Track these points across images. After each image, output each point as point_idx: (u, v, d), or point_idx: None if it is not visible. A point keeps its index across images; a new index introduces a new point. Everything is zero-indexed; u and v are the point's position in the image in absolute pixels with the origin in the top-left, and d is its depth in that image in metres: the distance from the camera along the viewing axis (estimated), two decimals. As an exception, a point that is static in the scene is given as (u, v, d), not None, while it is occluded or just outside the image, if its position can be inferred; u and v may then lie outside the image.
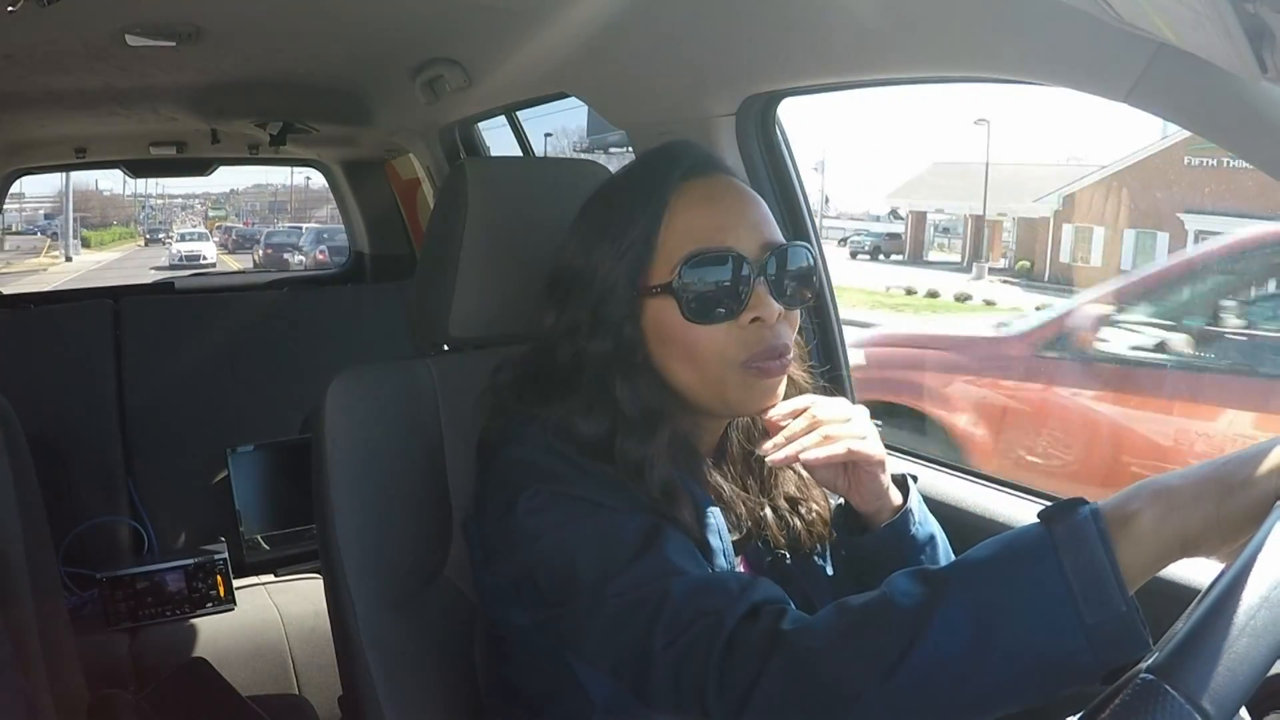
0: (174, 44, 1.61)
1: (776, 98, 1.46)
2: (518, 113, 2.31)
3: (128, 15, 1.52)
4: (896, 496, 0.93)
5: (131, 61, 1.78)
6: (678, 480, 0.86)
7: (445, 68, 1.85)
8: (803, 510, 0.97)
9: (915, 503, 0.94)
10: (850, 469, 0.91)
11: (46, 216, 19.12)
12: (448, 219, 1.09)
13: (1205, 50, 0.73)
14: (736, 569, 0.90)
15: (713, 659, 0.70)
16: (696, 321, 0.86)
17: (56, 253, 16.93)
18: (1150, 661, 0.52)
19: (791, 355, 0.90)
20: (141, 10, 1.51)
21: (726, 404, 0.90)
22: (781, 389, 0.91)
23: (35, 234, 18.50)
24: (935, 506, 1.28)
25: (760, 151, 1.51)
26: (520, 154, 2.41)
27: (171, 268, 15.40)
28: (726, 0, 1.25)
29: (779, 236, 0.90)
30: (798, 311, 0.91)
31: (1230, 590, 0.52)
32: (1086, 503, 0.63)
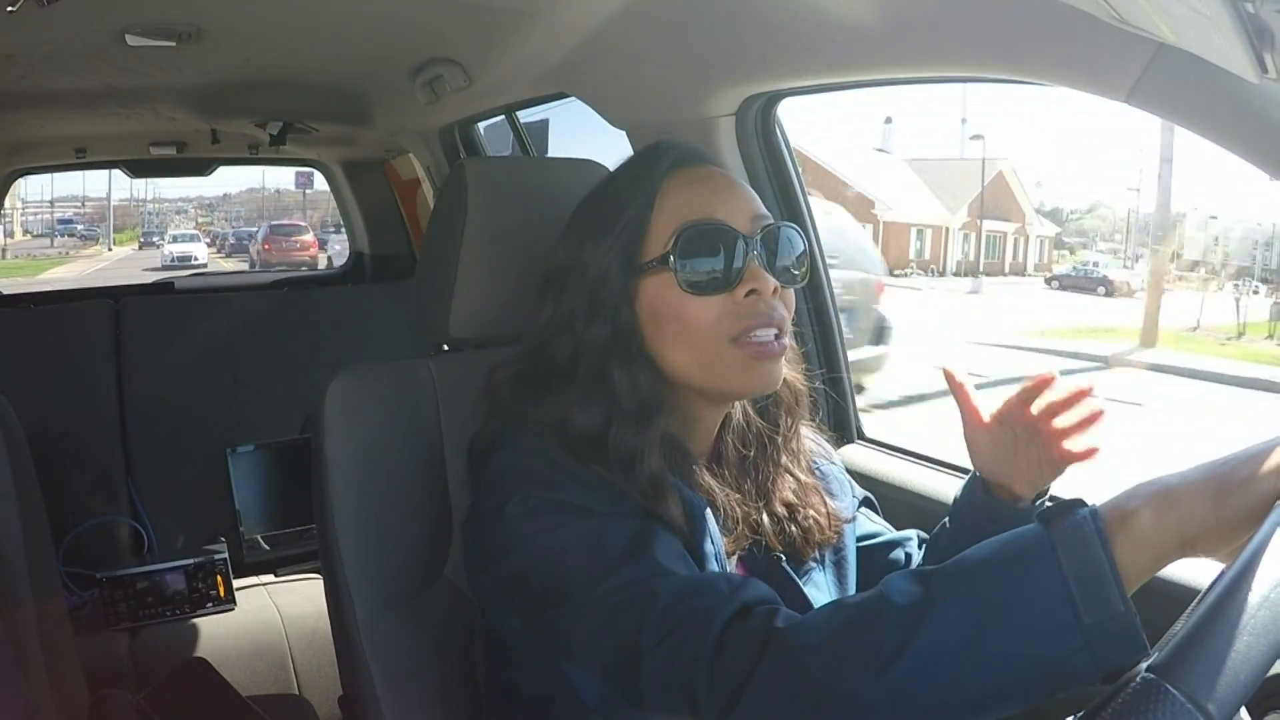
0: (174, 44, 1.61)
1: (776, 98, 1.46)
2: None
3: (128, 15, 1.52)
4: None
5: (131, 61, 1.78)
6: (667, 478, 0.86)
7: (445, 68, 1.85)
8: (800, 516, 0.96)
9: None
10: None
11: (61, 221, 24.11)
12: (448, 219, 1.09)
13: (1205, 50, 0.73)
14: (729, 572, 0.90)
15: (703, 657, 0.69)
16: (693, 293, 0.86)
17: (97, 247, 23.25)
18: (1151, 660, 0.52)
19: (789, 333, 0.91)
20: (141, 10, 1.51)
21: (722, 386, 0.90)
22: (781, 371, 0.91)
23: (56, 235, 23.68)
24: (935, 506, 1.28)
25: (760, 151, 1.51)
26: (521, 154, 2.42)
27: (164, 268, 16.31)
28: (726, 0, 1.25)
29: (769, 213, 0.92)
30: (792, 292, 0.92)
31: (1231, 590, 0.52)
32: (1085, 503, 0.63)
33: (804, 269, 0.94)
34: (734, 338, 0.87)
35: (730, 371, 0.88)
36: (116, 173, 3.22)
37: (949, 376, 0.97)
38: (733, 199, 0.90)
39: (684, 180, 0.91)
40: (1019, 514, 0.94)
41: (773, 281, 0.88)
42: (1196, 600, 0.54)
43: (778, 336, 0.89)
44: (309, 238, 16.75)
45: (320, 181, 3.44)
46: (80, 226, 23.99)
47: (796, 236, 0.93)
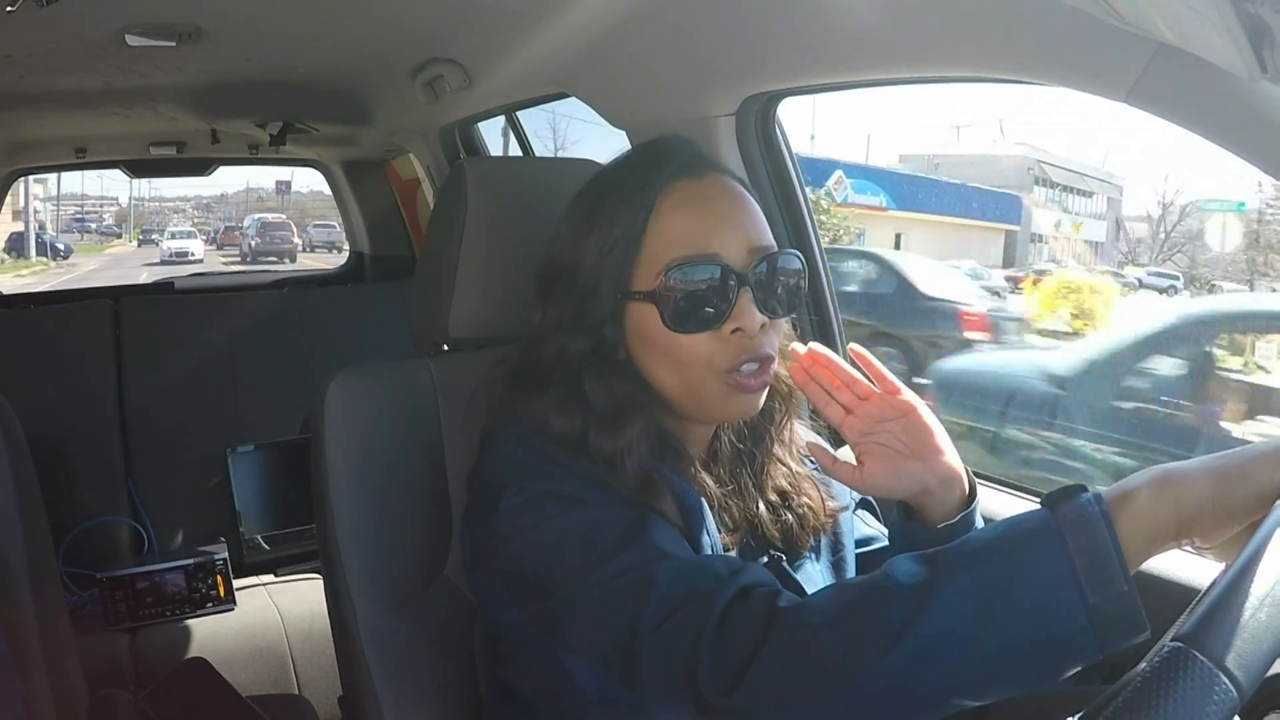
0: (174, 44, 1.61)
1: (776, 98, 1.46)
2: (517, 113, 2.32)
3: (128, 15, 1.52)
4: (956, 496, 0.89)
5: (131, 61, 1.78)
6: (657, 474, 0.86)
7: (445, 68, 1.85)
8: (794, 503, 0.96)
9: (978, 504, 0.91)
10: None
11: (75, 220, 29.48)
12: (448, 219, 1.09)
13: (1205, 50, 0.73)
14: (728, 555, 0.90)
15: (704, 638, 0.69)
16: (678, 330, 0.86)
17: (120, 240, 29.40)
18: (1178, 630, 0.53)
19: (775, 365, 0.90)
20: (141, 10, 1.51)
21: (706, 412, 0.90)
22: (763, 397, 0.90)
23: (76, 232, 29.07)
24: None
25: (760, 151, 1.51)
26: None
27: (162, 263, 18.63)
28: (727, 0, 1.25)
29: (768, 240, 0.89)
30: (785, 320, 0.91)
31: (1253, 561, 0.54)
32: (1087, 488, 0.64)
33: (801, 297, 0.91)
34: (720, 371, 0.86)
35: (711, 399, 0.88)
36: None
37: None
38: (731, 226, 0.87)
39: (682, 199, 0.87)
40: (937, 535, 0.87)
41: (760, 319, 0.86)
42: (1221, 571, 0.56)
43: (763, 367, 0.88)
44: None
45: (295, 187, 3.47)
46: (93, 225, 29.90)
47: (793, 260, 0.90)
